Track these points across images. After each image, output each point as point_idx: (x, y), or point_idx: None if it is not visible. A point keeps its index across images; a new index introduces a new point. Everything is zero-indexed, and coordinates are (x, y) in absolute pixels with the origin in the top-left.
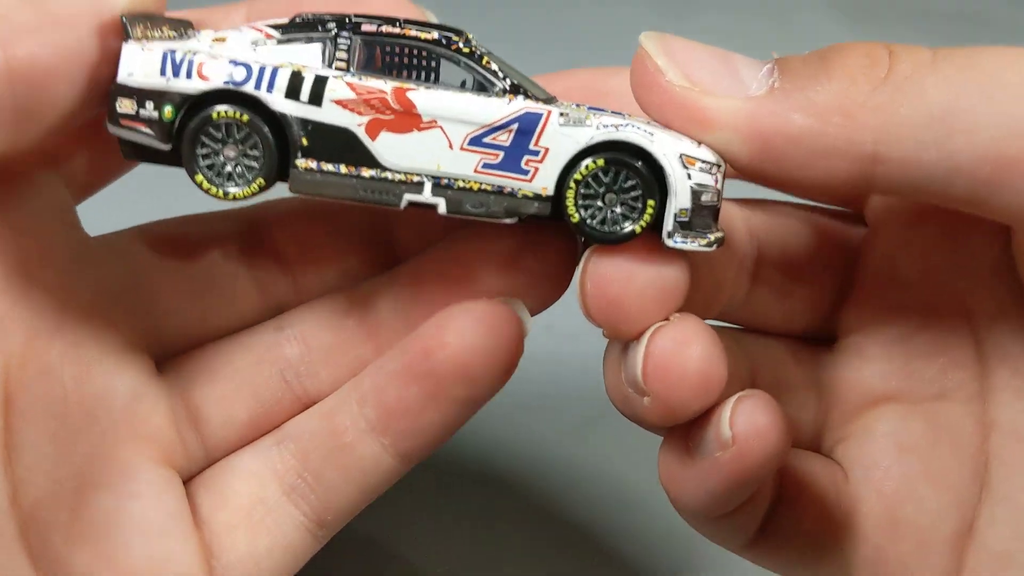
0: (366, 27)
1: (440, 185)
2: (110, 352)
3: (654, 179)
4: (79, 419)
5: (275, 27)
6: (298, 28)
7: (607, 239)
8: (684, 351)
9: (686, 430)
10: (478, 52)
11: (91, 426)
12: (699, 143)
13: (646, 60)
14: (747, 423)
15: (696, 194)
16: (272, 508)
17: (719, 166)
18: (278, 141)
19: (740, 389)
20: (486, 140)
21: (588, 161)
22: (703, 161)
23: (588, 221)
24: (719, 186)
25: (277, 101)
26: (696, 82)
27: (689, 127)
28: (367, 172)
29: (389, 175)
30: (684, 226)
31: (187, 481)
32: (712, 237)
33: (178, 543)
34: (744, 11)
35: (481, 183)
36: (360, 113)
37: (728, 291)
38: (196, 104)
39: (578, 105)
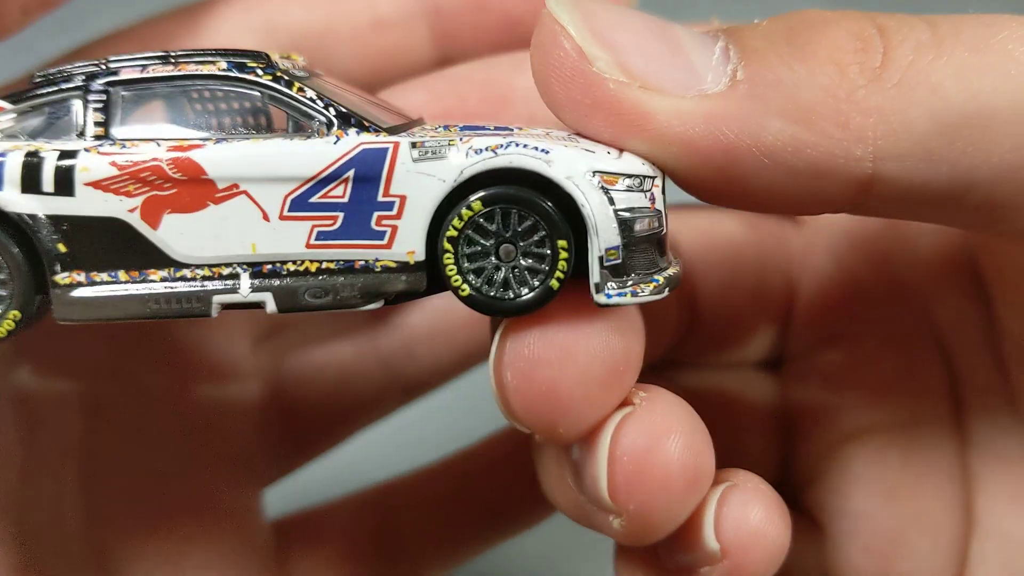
0: (127, 72)
1: (262, 274)
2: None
3: (560, 212)
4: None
5: (6, 97)
6: (36, 91)
7: (514, 308)
8: (662, 447)
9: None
10: (284, 78)
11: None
12: (620, 151)
13: (561, 39)
14: (738, 527)
15: (626, 224)
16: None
17: (653, 177)
18: (26, 254)
19: None
20: (315, 199)
21: (462, 207)
22: (628, 176)
23: (483, 289)
24: (658, 205)
25: (11, 199)
26: (634, 73)
27: (625, 138)
28: (156, 275)
29: (187, 273)
30: (616, 271)
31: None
32: (661, 278)
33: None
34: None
35: (320, 261)
36: (129, 194)
37: (672, 332)
38: None
39: (447, 127)
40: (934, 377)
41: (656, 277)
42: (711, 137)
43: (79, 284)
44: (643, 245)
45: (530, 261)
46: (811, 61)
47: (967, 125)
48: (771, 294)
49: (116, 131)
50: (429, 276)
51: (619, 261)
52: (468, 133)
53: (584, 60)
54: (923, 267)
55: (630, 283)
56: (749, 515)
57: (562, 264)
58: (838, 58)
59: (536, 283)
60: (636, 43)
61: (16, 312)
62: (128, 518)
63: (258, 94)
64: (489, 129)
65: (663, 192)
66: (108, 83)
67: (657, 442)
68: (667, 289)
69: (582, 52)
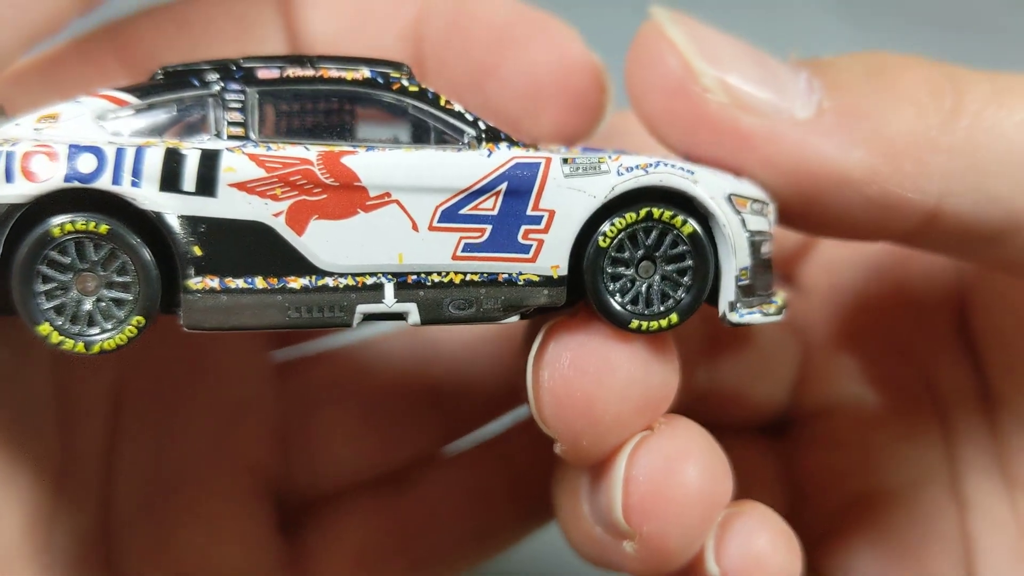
0: (264, 73)
1: (407, 284)
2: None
3: (705, 236)
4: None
5: (129, 90)
6: (164, 87)
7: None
8: (681, 471)
9: None
10: (429, 91)
11: (193, 451)
12: (738, 176)
13: (667, 53)
14: (742, 553)
15: (755, 247)
16: (379, 558)
17: (767, 204)
18: (158, 256)
19: None
20: (465, 211)
21: (617, 218)
22: (754, 200)
23: (627, 305)
24: (772, 230)
25: (149, 196)
26: (735, 94)
27: (723, 155)
28: (297, 282)
29: (330, 281)
30: (746, 291)
31: (294, 516)
32: (780, 300)
33: None
34: (742, 7)
35: (464, 273)
36: (276, 198)
37: (692, 377)
38: (26, 217)
39: (568, 147)
40: (933, 439)
41: (775, 299)
42: (799, 161)
43: (213, 291)
44: (764, 268)
45: (667, 285)
46: (893, 99)
47: None
48: (782, 358)
49: (253, 134)
50: (568, 291)
51: (749, 282)
52: (605, 153)
53: (690, 76)
54: (924, 328)
55: (755, 304)
56: (753, 541)
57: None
58: (917, 99)
59: (674, 301)
60: (737, 64)
61: (140, 318)
62: (141, 526)
63: (403, 105)
64: (620, 152)
65: (775, 218)
66: (245, 83)
67: (676, 465)
68: (784, 311)
69: (689, 67)
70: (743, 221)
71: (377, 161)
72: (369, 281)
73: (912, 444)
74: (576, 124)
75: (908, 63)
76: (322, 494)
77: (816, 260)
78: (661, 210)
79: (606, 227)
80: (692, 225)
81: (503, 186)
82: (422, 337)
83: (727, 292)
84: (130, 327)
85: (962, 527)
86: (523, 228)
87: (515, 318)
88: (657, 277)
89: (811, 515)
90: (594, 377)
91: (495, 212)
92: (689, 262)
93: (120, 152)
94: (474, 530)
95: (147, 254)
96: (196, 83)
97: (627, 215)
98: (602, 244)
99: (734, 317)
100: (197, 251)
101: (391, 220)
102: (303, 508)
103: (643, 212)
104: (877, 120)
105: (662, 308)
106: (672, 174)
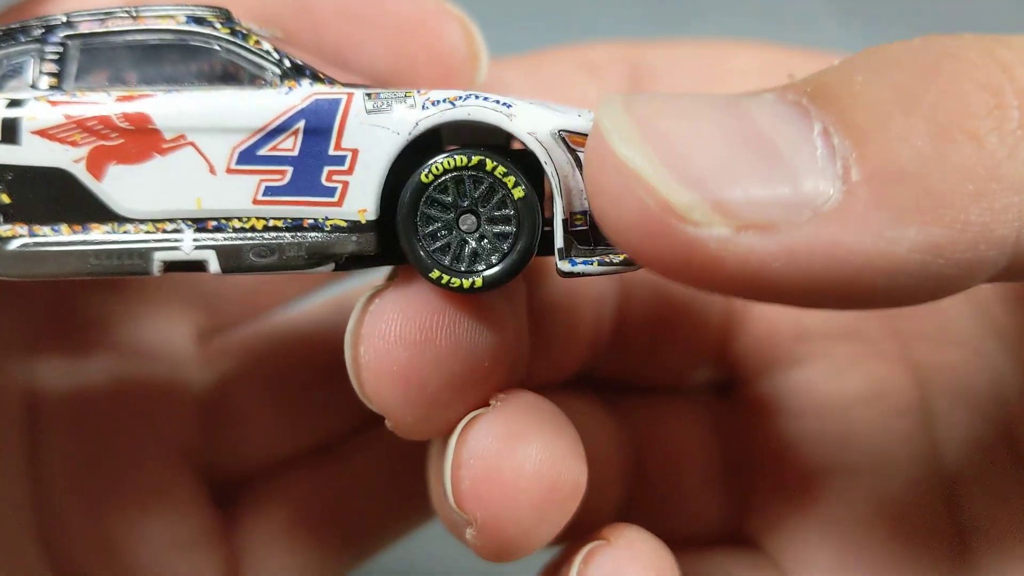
0: (86, 25)
1: (206, 230)
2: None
3: (520, 168)
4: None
5: None
6: None
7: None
8: (515, 451)
9: None
10: (242, 31)
11: (119, 429)
12: (591, 111)
13: (637, 190)
14: None
15: None
16: (310, 528)
17: None
18: None
19: (621, 475)
20: (263, 152)
21: (438, 160)
22: None
23: (433, 252)
24: None
25: None
26: (732, 210)
27: (733, 294)
28: (99, 230)
29: (130, 228)
30: (584, 238)
31: (223, 492)
32: None
33: (205, 559)
34: (747, 14)
35: (267, 218)
36: (75, 144)
37: (587, 338)
38: None
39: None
40: (910, 399)
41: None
42: (834, 269)
43: (20, 237)
44: None
45: (487, 241)
46: (940, 135)
47: None
48: (712, 306)
49: (69, 84)
50: (383, 242)
51: (586, 228)
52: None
53: (672, 214)
54: None
55: (599, 251)
56: None
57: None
58: (973, 126)
59: (485, 265)
60: (724, 161)
61: None
62: (76, 511)
63: (217, 48)
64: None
65: None
66: (66, 36)
67: (509, 446)
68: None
69: (668, 205)
70: (577, 161)
71: (171, 103)
72: (168, 228)
73: (882, 401)
74: (450, 79)
75: (951, 62)
76: (250, 469)
77: None
78: (495, 164)
79: (439, 160)
80: (524, 191)
81: (301, 124)
82: (344, 309)
83: (557, 238)
84: None
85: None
86: (326, 169)
87: (328, 268)
88: (476, 235)
89: (760, 495)
90: (411, 349)
91: (295, 152)
92: (511, 229)
93: None
94: (405, 498)
95: None
96: (22, 38)
97: (458, 157)
98: (424, 179)
99: (564, 266)
100: (5, 198)
101: (187, 163)
102: (234, 483)
103: (475, 160)
104: (921, 174)
105: (471, 268)
106: (483, 107)
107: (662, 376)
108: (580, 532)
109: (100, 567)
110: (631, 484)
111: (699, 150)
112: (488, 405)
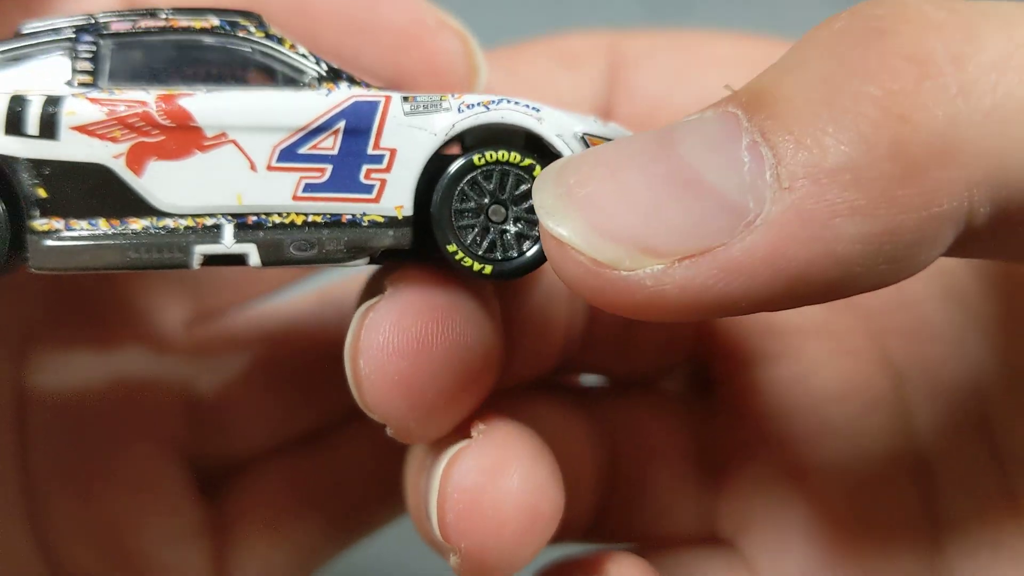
0: (117, 25)
1: (246, 226)
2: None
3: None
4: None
5: None
6: (24, 44)
7: (508, 271)
8: (497, 483)
9: None
10: (275, 36)
11: (108, 419)
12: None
13: (572, 255)
14: None
15: None
16: (296, 516)
17: None
18: (4, 199)
19: (596, 477)
20: (303, 151)
21: (468, 158)
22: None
23: (462, 235)
24: None
25: None
26: (662, 250)
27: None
28: (137, 224)
29: (169, 222)
30: None
31: (210, 482)
32: None
33: (194, 549)
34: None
35: (306, 214)
36: (115, 140)
37: (561, 334)
38: None
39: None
40: (884, 394)
41: None
42: (782, 273)
43: (57, 231)
44: None
45: (523, 226)
46: (868, 123)
47: None
48: None
49: (103, 82)
50: (415, 234)
51: None
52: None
53: (603, 267)
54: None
55: None
56: None
57: None
58: (902, 106)
59: (526, 248)
60: (649, 208)
61: None
62: (66, 503)
63: (249, 50)
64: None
65: None
66: (98, 36)
67: (491, 478)
68: None
69: (599, 263)
70: None
71: (212, 102)
72: (208, 222)
73: (859, 395)
74: (450, 82)
75: (876, 36)
76: (238, 458)
77: None
78: (521, 157)
79: (496, 150)
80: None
81: (341, 124)
82: (328, 299)
83: None
84: None
85: (929, 515)
86: (365, 168)
87: (363, 261)
88: (500, 227)
89: (731, 495)
90: (408, 358)
91: (335, 151)
92: (535, 233)
93: None
94: (391, 486)
95: None
96: (53, 38)
97: (513, 153)
98: (476, 161)
99: None
100: (42, 193)
101: (229, 160)
102: (221, 473)
103: (527, 162)
104: (855, 165)
105: (487, 254)
106: (514, 111)
107: (636, 371)
108: (556, 538)
109: (91, 559)
110: (605, 485)
111: (623, 205)
112: (468, 437)
